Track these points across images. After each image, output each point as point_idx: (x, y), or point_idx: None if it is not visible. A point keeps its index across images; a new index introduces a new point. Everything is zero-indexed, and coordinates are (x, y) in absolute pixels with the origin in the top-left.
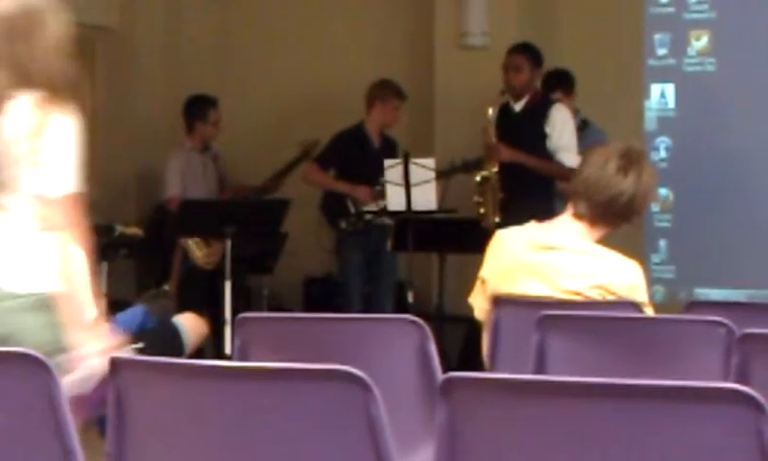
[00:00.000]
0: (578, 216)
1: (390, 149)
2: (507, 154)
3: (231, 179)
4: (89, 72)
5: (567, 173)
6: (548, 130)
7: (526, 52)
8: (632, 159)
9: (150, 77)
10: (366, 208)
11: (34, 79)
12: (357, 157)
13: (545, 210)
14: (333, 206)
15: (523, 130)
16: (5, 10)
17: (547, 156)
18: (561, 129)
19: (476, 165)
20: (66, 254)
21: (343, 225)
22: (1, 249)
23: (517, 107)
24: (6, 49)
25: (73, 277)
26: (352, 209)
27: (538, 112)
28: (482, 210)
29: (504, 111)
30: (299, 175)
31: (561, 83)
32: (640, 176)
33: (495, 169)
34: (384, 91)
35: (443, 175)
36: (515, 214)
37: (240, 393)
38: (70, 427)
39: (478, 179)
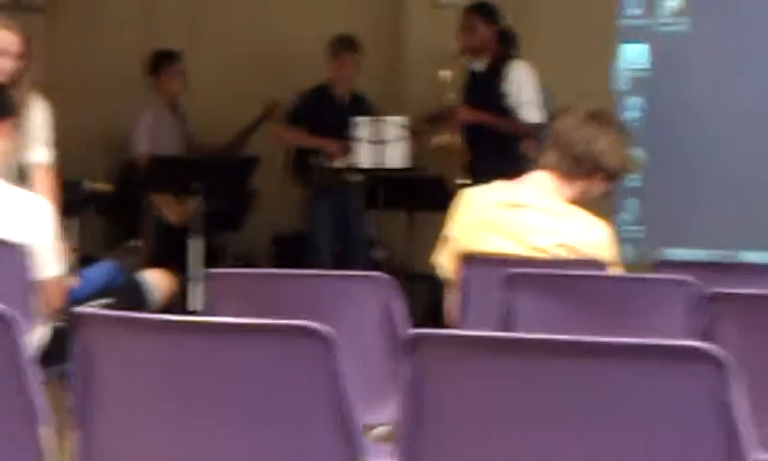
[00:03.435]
0: (546, 168)
1: (359, 105)
2: (466, 115)
3: (196, 135)
4: (57, 24)
5: (529, 128)
6: (507, 88)
7: (478, 11)
8: (595, 115)
9: (119, 29)
10: (336, 164)
11: None
12: (325, 113)
13: (513, 170)
14: (301, 163)
15: (484, 90)
16: None
17: (510, 114)
18: (519, 85)
19: (441, 118)
20: None
21: (314, 178)
22: None
23: (478, 67)
24: None
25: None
26: (325, 164)
27: (497, 71)
28: (445, 173)
29: (469, 72)
30: (265, 133)
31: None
32: (601, 126)
33: (454, 133)
34: (333, 47)
35: (413, 133)
36: (482, 175)
37: (204, 348)
38: (34, 382)
39: (435, 144)
